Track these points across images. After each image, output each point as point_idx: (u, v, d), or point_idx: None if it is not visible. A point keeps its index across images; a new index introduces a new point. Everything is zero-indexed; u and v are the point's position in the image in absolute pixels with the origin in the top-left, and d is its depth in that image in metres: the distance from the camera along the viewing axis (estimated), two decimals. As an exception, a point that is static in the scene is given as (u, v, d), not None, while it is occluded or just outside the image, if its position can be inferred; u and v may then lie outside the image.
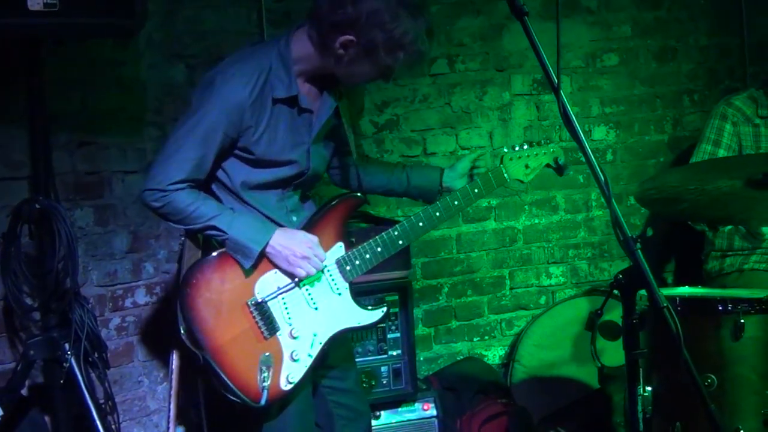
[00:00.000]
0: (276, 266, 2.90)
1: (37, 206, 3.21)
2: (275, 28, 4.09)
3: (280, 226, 2.95)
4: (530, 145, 3.15)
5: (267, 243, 2.85)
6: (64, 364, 3.21)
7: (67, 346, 3.22)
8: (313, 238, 2.91)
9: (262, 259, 2.89)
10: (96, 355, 3.37)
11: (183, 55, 3.90)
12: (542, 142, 3.18)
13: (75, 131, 3.59)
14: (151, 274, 3.85)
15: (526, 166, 3.13)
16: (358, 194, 3.08)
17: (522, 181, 3.15)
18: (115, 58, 3.71)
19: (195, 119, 2.79)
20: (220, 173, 2.92)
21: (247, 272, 2.88)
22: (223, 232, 2.82)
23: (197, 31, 3.93)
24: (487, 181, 3.10)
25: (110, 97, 3.71)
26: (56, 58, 3.46)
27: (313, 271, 2.90)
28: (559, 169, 3.18)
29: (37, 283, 3.30)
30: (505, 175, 3.11)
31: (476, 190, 3.08)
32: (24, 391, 3.35)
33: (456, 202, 3.07)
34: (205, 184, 2.91)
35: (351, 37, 2.77)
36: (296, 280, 2.92)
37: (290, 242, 2.87)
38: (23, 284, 3.29)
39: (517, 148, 3.14)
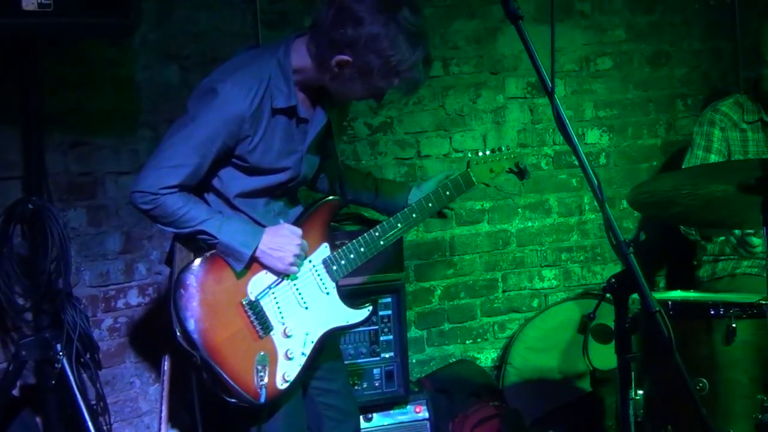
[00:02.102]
0: (266, 266, 2.93)
1: (30, 206, 3.21)
2: (270, 29, 4.09)
3: None
4: (492, 150, 3.33)
5: (257, 246, 2.87)
6: (56, 365, 3.21)
7: (59, 346, 3.22)
8: (296, 230, 2.95)
9: (254, 260, 2.91)
10: (88, 355, 3.37)
11: (177, 56, 3.89)
12: (503, 148, 3.35)
13: (68, 131, 3.58)
14: (143, 275, 3.84)
15: (491, 170, 3.31)
16: (336, 197, 3.14)
17: (487, 184, 3.34)
18: (110, 58, 3.71)
19: (193, 127, 2.78)
20: (215, 181, 2.92)
21: (240, 273, 2.90)
22: (213, 236, 2.83)
23: (192, 32, 3.92)
24: (457, 184, 3.25)
25: (104, 98, 3.70)
26: (50, 58, 3.45)
27: (299, 262, 2.96)
28: (521, 173, 3.36)
29: (29, 283, 3.29)
30: (473, 178, 3.27)
31: (447, 193, 3.22)
32: (15, 392, 3.34)
33: (430, 204, 3.19)
34: (197, 189, 2.90)
35: (347, 58, 2.77)
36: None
37: (279, 240, 2.90)
38: (15, 284, 3.28)
39: (480, 154, 3.31)
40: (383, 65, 2.77)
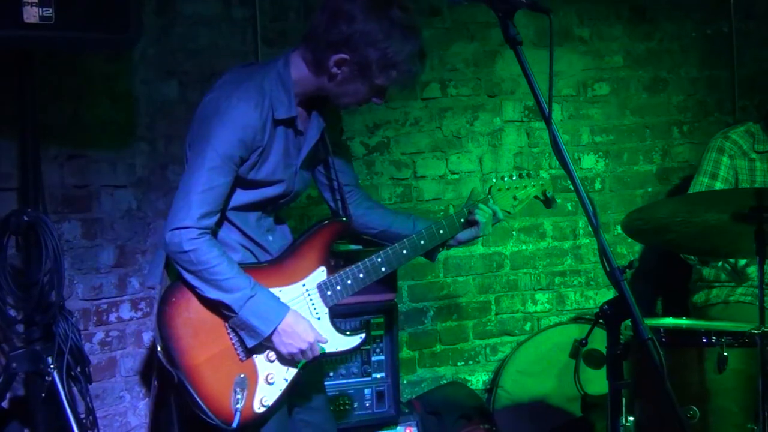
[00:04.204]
0: (275, 349, 2.88)
1: (25, 218, 3.20)
2: (270, 47, 4.10)
3: (258, 244, 2.97)
4: (519, 176, 3.15)
5: (275, 329, 2.82)
6: (47, 378, 3.19)
7: (49, 359, 3.20)
8: (318, 334, 2.90)
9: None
10: (78, 369, 3.35)
11: (176, 72, 3.90)
12: (531, 173, 3.18)
13: (65, 144, 3.59)
14: (136, 289, 3.83)
15: (514, 198, 3.15)
16: (343, 219, 3.10)
17: (509, 212, 3.15)
18: (108, 71, 3.72)
19: (209, 150, 2.76)
20: None
21: None
22: (234, 312, 2.79)
23: (191, 48, 3.94)
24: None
25: (101, 111, 3.71)
26: (48, 70, 3.46)
27: (306, 357, 2.89)
28: (547, 202, 3.20)
29: (22, 295, 3.28)
30: (494, 206, 3.12)
31: (462, 220, 3.11)
32: (5, 404, 3.33)
33: (441, 231, 3.09)
34: None
35: (345, 56, 2.81)
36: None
37: (295, 330, 2.84)
38: (8, 296, 3.27)
39: (505, 179, 3.15)
40: (380, 58, 2.80)
